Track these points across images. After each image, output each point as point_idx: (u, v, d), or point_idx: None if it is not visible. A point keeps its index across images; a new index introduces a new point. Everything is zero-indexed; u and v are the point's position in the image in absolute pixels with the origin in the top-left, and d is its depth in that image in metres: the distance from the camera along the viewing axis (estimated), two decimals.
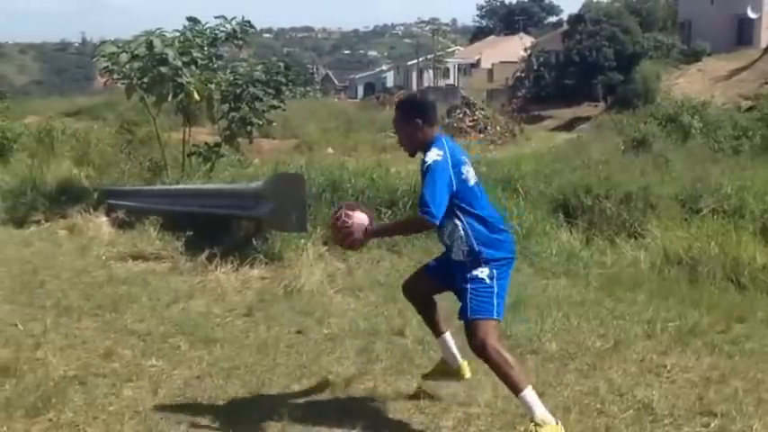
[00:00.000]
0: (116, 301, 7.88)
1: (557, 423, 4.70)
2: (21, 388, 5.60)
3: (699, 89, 45.61)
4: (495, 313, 4.87)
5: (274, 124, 14.48)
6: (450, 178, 4.85)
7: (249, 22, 13.06)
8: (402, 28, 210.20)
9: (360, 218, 5.08)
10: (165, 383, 5.72)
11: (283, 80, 13.10)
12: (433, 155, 4.90)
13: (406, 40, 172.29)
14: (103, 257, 9.88)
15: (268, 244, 9.14)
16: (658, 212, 12.50)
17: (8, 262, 9.65)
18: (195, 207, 10.58)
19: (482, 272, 4.90)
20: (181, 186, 11.66)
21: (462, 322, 4.93)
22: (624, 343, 6.46)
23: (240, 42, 13.17)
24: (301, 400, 5.48)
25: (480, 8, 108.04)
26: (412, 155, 5.18)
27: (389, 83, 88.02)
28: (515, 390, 4.77)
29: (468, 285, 4.89)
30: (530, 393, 4.75)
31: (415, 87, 77.06)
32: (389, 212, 10.19)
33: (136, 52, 11.70)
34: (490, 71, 76.15)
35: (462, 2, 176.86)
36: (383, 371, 5.97)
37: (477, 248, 4.91)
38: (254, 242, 9.21)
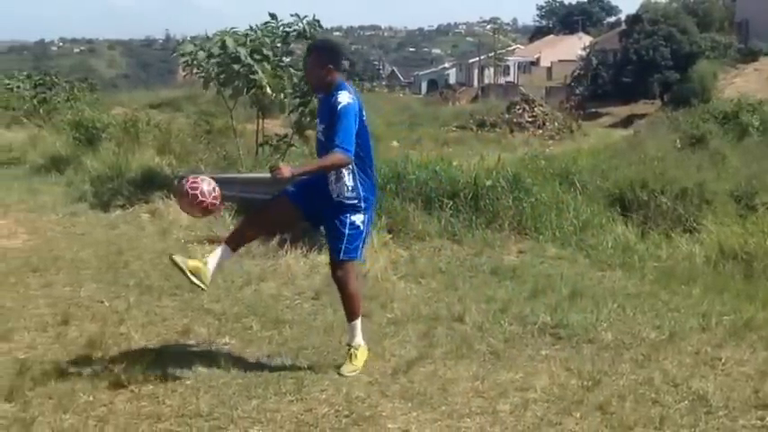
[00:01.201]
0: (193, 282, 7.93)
1: (365, 346, 5.64)
2: (106, 361, 5.69)
3: (755, 88, 44.64)
4: (359, 256, 5.53)
5: None
6: (357, 120, 5.28)
7: (318, 21, 13.10)
8: (464, 27, 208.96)
9: (201, 183, 5.26)
10: (237, 361, 5.74)
11: (348, 76, 13.14)
12: (346, 97, 5.28)
13: (469, 39, 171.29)
14: (182, 240, 9.98)
15: None
16: (714, 208, 12.27)
17: (95, 243, 9.80)
18: (267, 195, 10.61)
19: (358, 218, 5.42)
20: (255, 175, 11.71)
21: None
22: (679, 335, 6.32)
23: (311, 41, 13.23)
24: (365, 380, 5.45)
25: (540, 8, 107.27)
26: (315, 93, 5.59)
27: (452, 79, 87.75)
28: (351, 317, 5.57)
29: (346, 230, 5.38)
30: (359, 323, 5.60)
31: (476, 84, 76.62)
32: (451, 203, 10.12)
33: (211, 51, 11.85)
34: (549, 69, 75.47)
35: (523, 2, 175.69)
36: (443, 355, 5.93)
37: (362, 194, 5.42)
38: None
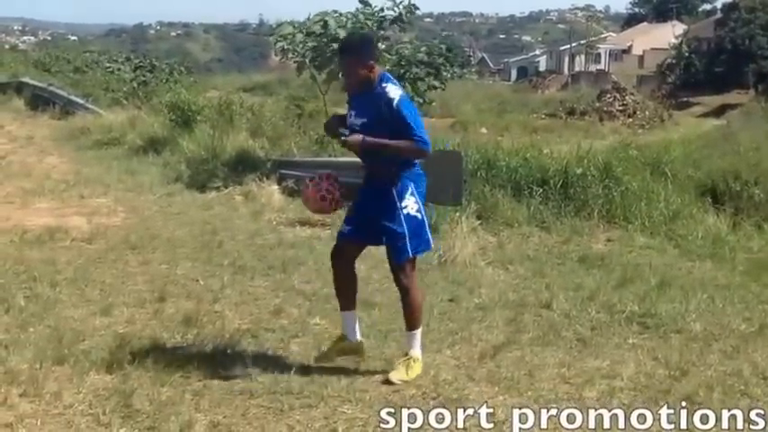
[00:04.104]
0: (285, 262, 8.07)
1: (421, 360, 5.21)
2: (201, 337, 5.86)
3: None
4: (430, 244, 5.23)
5: (434, 104, 14.54)
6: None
7: (414, 5, 13.10)
8: (556, 14, 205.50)
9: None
10: (327, 341, 5.81)
11: (443, 61, 13.15)
12: (396, 90, 5.01)
13: (560, 26, 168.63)
14: (274, 222, 10.14)
15: None
16: None
17: (191, 223, 10.02)
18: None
19: (412, 207, 5.07)
20: (345, 159, 11.78)
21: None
22: None
23: (405, 26, 13.27)
24: (452, 364, 5.49)
25: None
26: (353, 92, 5.22)
27: (542, 67, 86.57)
28: (413, 326, 5.21)
29: (405, 227, 5.05)
30: (419, 333, 5.24)
31: (566, 71, 75.50)
32: (541, 190, 10.04)
33: (311, 30, 11.96)
34: (641, 57, 73.83)
35: None
36: (530, 341, 5.93)
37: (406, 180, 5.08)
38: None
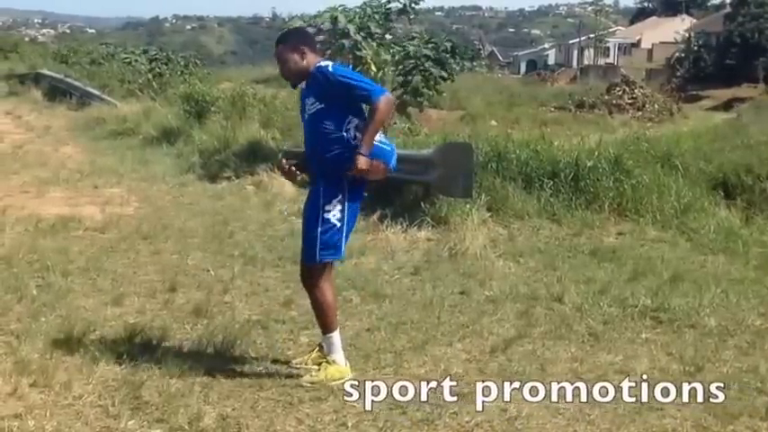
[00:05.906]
0: (296, 253, 7.79)
1: (346, 365, 4.94)
2: (211, 328, 5.75)
3: None
4: (340, 254, 5.01)
5: (444, 95, 14.45)
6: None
7: None
8: (565, 8, 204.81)
9: None
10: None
11: (449, 57, 13.12)
12: (326, 61, 4.93)
13: (569, 20, 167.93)
14: (285, 213, 10.02)
15: (435, 208, 9.05)
16: None
17: (202, 213, 9.94)
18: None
19: (334, 214, 4.86)
20: None
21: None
22: None
23: (411, 17, 13.20)
24: (463, 357, 5.39)
25: None
26: (294, 86, 5.09)
27: (551, 60, 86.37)
28: (324, 329, 4.98)
29: (318, 231, 4.87)
30: (336, 336, 4.97)
31: (575, 65, 75.16)
32: (551, 183, 9.89)
33: (321, 26, 11.91)
34: (650, 51, 73.40)
35: None
36: (542, 335, 5.81)
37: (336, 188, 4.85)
38: (423, 206, 9.14)
